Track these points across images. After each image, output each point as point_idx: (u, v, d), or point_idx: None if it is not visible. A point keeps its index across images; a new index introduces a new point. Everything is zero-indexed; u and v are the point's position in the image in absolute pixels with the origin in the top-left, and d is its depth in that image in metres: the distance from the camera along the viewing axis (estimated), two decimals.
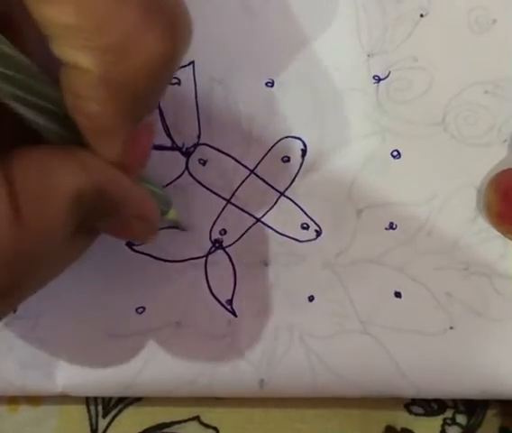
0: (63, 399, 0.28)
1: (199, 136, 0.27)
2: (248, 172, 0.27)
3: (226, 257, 0.27)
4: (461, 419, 0.29)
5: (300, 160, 0.27)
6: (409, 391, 0.27)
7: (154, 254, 0.27)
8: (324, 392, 0.27)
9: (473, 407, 0.28)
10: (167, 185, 0.27)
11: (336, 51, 0.28)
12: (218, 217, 0.27)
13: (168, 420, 0.28)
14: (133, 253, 0.27)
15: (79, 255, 0.21)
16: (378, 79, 0.28)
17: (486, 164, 0.27)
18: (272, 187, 0.27)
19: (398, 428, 0.28)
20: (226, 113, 0.27)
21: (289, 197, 0.27)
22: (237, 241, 0.27)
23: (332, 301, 0.27)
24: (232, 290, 0.27)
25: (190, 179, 0.27)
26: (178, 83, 0.27)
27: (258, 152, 0.27)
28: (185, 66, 0.27)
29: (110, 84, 0.17)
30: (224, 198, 0.27)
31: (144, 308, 0.27)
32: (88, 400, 0.28)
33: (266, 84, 0.27)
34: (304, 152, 0.27)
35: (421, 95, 0.27)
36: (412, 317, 0.27)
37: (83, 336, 0.27)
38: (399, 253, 0.27)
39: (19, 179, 0.17)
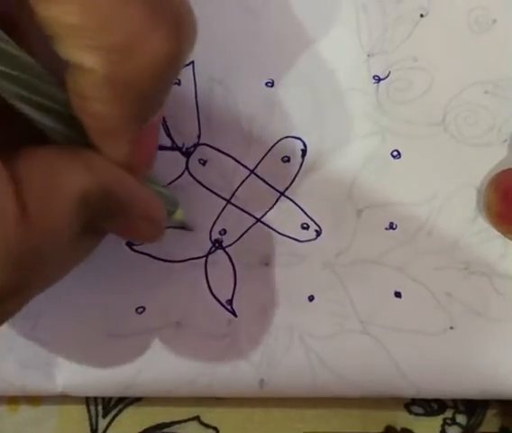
0: (63, 399, 0.28)
1: (199, 136, 0.27)
2: (248, 172, 0.27)
3: (226, 257, 0.27)
4: (461, 419, 0.29)
5: (300, 160, 0.27)
6: (409, 391, 0.27)
7: (154, 254, 0.27)
8: (324, 392, 0.27)
9: (473, 407, 0.28)
10: (167, 185, 0.27)
11: (336, 51, 0.28)
12: (218, 217, 0.27)
13: (168, 420, 0.28)
14: (133, 253, 0.27)
15: (86, 256, 0.21)
16: (378, 79, 0.28)
17: (486, 164, 0.27)
18: (272, 187, 0.27)
19: (398, 428, 0.28)
20: (226, 113, 0.27)
21: (289, 197, 0.27)
22: (237, 241, 0.27)
23: (332, 301, 0.27)
24: (232, 290, 0.27)
25: (190, 179, 0.27)
26: (178, 83, 0.27)
27: (258, 152, 0.27)
28: (185, 66, 0.27)
29: (115, 84, 0.17)
30: (223, 198, 0.27)
31: (144, 308, 0.27)
32: (88, 400, 0.28)
33: (266, 84, 0.27)
34: (304, 152, 0.27)
35: (421, 95, 0.27)
36: (412, 317, 0.27)
37: (83, 336, 0.27)
38: (399, 253, 0.27)
39: (25, 178, 0.17)
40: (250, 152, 0.27)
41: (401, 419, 0.28)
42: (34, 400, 0.28)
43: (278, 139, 0.27)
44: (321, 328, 0.27)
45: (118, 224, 0.20)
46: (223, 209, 0.27)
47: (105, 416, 0.28)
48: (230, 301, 0.27)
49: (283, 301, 0.27)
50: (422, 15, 0.28)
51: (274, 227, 0.27)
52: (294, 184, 0.27)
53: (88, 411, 0.28)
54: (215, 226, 0.27)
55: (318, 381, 0.27)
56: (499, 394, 0.27)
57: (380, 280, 0.27)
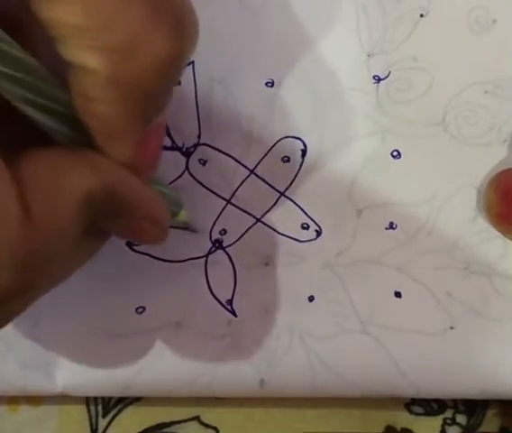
0: (63, 399, 0.28)
1: (199, 136, 0.27)
2: (248, 172, 0.27)
3: (226, 257, 0.27)
4: (461, 419, 0.29)
5: (300, 160, 0.27)
6: (409, 391, 0.27)
7: (154, 254, 0.27)
8: (325, 392, 0.27)
9: (473, 407, 0.29)
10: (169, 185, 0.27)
11: (336, 51, 0.28)
12: (218, 217, 0.27)
13: (168, 420, 0.28)
14: (133, 253, 0.27)
15: (90, 257, 0.21)
16: (378, 79, 0.28)
17: (486, 164, 0.27)
18: (272, 187, 0.27)
19: (398, 427, 0.28)
20: (226, 113, 0.27)
21: (289, 197, 0.27)
22: (237, 241, 0.27)
23: (332, 301, 0.27)
24: (232, 290, 0.27)
25: (190, 179, 0.27)
26: (179, 83, 0.27)
27: (258, 152, 0.27)
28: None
29: (118, 84, 0.17)
30: (224, 198, 0.27)
31: (144, 308, 0.27)
32: (88, 400, 0.28)
33: (266, 84, 0.27)
34: (304, 152, 0.27)
35: (421, 95, 0.28)
36: (412, 317, 0.27)
37: (83, 336, 0.27)
38: (399, 253, 0.27)
39: (29, 180, 0.17)
40: (250, 151, 0.27)
41: (401, 418, 0.28)
42: (34, 400, 0.28)
43: (278, 139, 0.27)
44: (321, 328, 0.27)
45: (122, 225, 0.20)
46: (223, 209, 0.27)
47: (104, 416, 0.28)
48: (230, 301, 0.27)
49: (283, 301, 0.27)
50: (422, 15, 0.28)
51: (274, 227, 0.27)
52: (294, 184, 0.27)
53: (88, 411, 0.28)
54: (216, 226, 0.27)
55: (318, 381, 0.27)
56: (499, 394, 0.27)
57: (380, 280, 0.27)
